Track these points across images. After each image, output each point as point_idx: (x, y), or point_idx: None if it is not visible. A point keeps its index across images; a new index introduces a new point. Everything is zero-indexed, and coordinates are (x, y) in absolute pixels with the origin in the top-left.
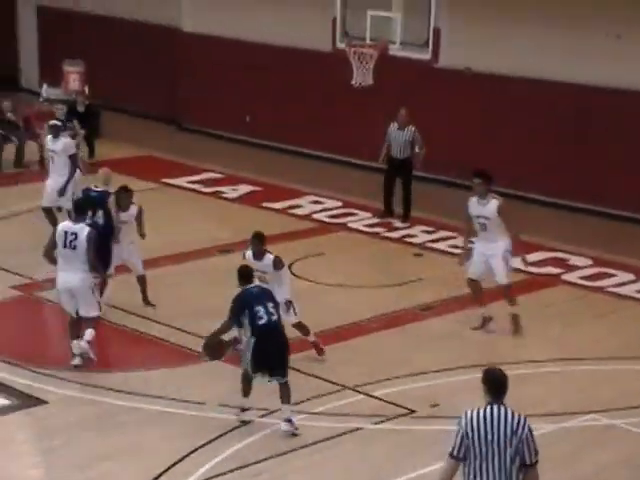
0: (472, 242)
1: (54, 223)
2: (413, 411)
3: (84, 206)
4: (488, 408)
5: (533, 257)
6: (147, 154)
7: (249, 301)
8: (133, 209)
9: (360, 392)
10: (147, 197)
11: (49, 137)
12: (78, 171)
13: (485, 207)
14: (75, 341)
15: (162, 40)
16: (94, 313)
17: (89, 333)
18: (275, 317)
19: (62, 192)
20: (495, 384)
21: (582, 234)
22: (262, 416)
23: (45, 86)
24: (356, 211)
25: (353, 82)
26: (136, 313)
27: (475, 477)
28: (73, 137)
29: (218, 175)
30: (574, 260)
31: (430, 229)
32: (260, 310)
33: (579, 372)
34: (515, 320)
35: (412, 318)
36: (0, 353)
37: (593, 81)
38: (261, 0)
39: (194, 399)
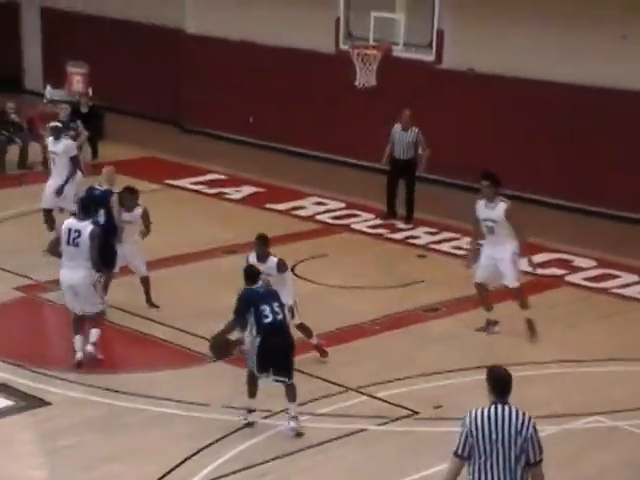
0: (480, 245)
1: (52, 226)
2: (417, 412)
3: (88, 204)
4: (492, 407)
5: (537, 258)
6: (150, 155)
7: (255, 300)
8: (138, 210)
9: (364, 393)
10: (150, 198)
11: (50, 139)
12: (79, 172)
13: (493, 210)
14: (77, 336)
15: (166, 42)
16: (96, 309)
17: (94, 334)
18: (281, 316)
19: (59, 192)
20: (499, 383)
21: (587, 235)
22: (265, 417)
23: (49, 87)
24: (359, 212)
25: (356, 83)
26: (140, 315)
27: (480, 476)
28: (75, 138)
29: (221, 176)
30: (578, 261)
31: (433, 230)
32: (266, 309)
33: (582, 374)
34: (530, 325)
35: (415, 319)
36: (4, 354)
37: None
38: (264, 2)
39: (198, 400)
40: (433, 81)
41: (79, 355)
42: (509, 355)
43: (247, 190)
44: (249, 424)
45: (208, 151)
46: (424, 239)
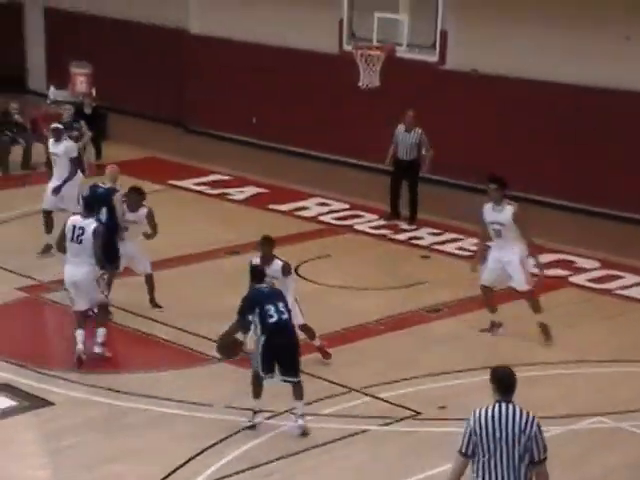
0: (488, 247)
1: (50, 228)
2: (420, 413)
3: (92, 202)
4: (496, 406)
5: (540, 259)
6: (154, 156)
7: (260, 300)
8: (142, 210)
9: (367, 394)
10: (153, 199)
11: (51, 140)
12: (80, 173)
13: (500, 213)
14: (80, 330)
15: (169, 42)
16: (99, 300)
17: (101, 334)
18: (285, 316)
19: (57, 191)
20: (503, 382)
21: (590, 236)
22: (269, 418)
23: (52, 88)
24: (363, 213)
25: (360, 84)
26: (143, 315)
27: (484, 474)
28: (77, 139)
29: (224, 177)
30: (581, 262)
31: (437, 231)
32: (271, 309)
33: (586, 375)
34: (544, 329)
35: (419, 320)
36: (7, 355)
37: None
38: (268, 2)
39: (201, 401)
40: (436, 82)
41: (80, 347)
42: (513, 356)
43: (250, 191)
44: (252, 426)
45: (211, 152)
46: (428, 240)
